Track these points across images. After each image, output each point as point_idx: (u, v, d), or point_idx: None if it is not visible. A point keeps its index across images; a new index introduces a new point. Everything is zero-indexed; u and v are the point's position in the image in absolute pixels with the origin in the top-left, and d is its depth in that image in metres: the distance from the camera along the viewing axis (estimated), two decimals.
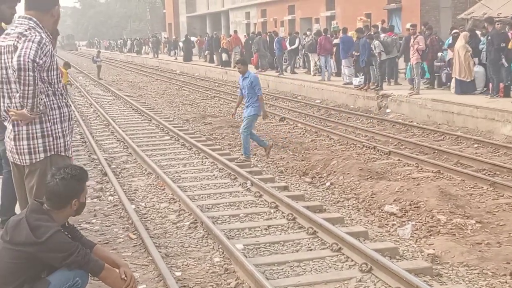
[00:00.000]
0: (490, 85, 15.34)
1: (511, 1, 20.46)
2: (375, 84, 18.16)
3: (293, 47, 25.40)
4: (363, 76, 18.80)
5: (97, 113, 19.00)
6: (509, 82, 14.83)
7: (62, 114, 4.86)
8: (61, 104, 4.85)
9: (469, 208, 8.05)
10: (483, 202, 8.45)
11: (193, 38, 43.48)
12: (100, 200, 9.16)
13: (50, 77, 4.76)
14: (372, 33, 19.77)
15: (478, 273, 6.04)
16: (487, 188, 9.00)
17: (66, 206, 4.05)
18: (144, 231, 7.21)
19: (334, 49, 22.34)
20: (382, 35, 18.85)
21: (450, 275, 6.03)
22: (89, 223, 7.96)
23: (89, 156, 12.35)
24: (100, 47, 74.51)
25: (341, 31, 21.73)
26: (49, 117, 4.77)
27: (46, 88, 4.73)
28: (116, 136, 14.56)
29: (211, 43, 35.33)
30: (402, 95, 16.59)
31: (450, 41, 17.19)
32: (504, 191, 8.78)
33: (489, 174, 9.81)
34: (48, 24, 4.83)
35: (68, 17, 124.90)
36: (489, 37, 14.93)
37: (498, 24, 14.73)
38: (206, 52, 37.31)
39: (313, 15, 35.69)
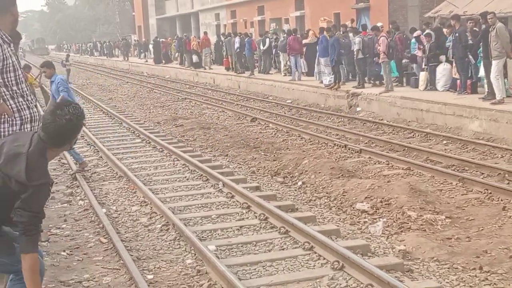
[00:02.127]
0: (458, 82, 15.52)
1: None
2: (335, 83, 18.32)
3: (265, 47, 25.39)
4: (332, 75, 18.90)
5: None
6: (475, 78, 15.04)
7: (23, 117, 4.76)
8: (21, 107, 4.75)
9: (439, 204, 8.14)
10: (453, 197, 8.56)
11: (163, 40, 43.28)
12: (70, 204, 9.06)
13: (6, 80, 4.65)
14: (341, 32, 19.91)
15: (448, 268, 6.11)
16: (456, 184, 9.12)
17: (64, 144, 3.85)
18: (115, 234, 7.16)
19: (304, 49, 22.42)
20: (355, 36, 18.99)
21: (421, 270, 6.09)
22: (59, 228, 7.87)
23: (58, 160, 12.19)
24: (69, 51, 73.78)
25: (309, 32, 21.78)
26: (8, 119, 4.67)
27: (3, 93, 4.62)
28: (86, 140, 14.42)
29: (181, 45, 35.18)
30: (372, 94, 16.71)
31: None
32: (473, 186, 8.89)
33: (458, 170, 9.93)
34: (6, 24, 4.63)
35: (35, 21, 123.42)
36: (457, 34, 15.10)
37: (470, 22, 14.91)
38: (177, 54, 37.18)
39: (283, 16, 35.76)
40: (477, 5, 19.59)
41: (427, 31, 17.30)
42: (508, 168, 9.72)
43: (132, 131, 15.30)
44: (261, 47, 25.64)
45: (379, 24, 18.60)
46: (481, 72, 14.43)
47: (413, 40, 17.64)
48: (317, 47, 20.40)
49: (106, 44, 59.11)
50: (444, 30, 16.80)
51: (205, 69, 31.05)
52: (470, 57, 14.84)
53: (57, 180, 10.62)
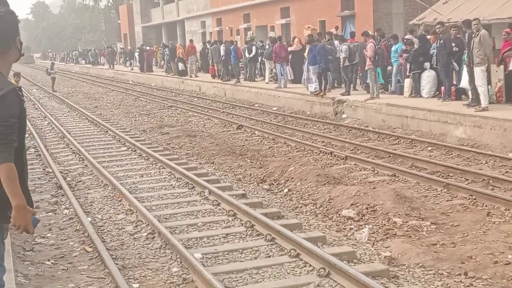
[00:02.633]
0: (442, 88, 15.63)
1: (460, 6, 20.95)
2: (321, 90, 18.37)
3: (251, 55, 25.41)
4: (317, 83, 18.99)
5: (51, 126, 18.69)
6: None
7: None
8: None
9: (424, 210, 8.18)
10: (438, 203, 8.60)
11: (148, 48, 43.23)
12: (55, 213, 9.01)
13: None
14: (326, 39, 19.99)
15: (433, 274, 6.14)
16: (441, 190, 9.16)
17: (11, 47, 3.66)
18: (100, 243, 7.12)
19: (290, 56, 22.48)
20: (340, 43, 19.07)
21: (406, 276, 6.11)
22: (43, 237, 7.82)
23: (43, 169, 12.14)
24: (55, 59, 73.43)
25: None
26: None
27: None
28: (71, 148, 14.35)
29: (172, 52, 34.97)
30: (357, 101, 16.78)
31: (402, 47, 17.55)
32: (458, 192, 8.94)
33: (443, 176, 9.99)
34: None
35: (20, 29, 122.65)
36: (441, 41, 15.21)
37: (453, 30, 15.02)
38: (162, 62, 37.12)
39: (269, 23, 35.87)
40: (461, 13, 19.77)
41: (407, 37, 17.48)
42: (492, 174, 9.79)
43: (118, 139, 15.25)
44: (247, 55, 25.67)
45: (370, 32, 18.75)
46: (463, 81, 14.53)
47: (394, 48, 17.68)
48: (307, 55, 20.45)
49: (91, 52, 58.91)
50: (429, 37, 16.93)
51: (191, 77, 31.02)
52: (454, 64, 14.95)
53: (42, 189, 10.57)
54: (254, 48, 25.46)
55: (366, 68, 17.16)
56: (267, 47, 24.10)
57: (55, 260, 6.93)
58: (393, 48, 17.74)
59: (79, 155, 13.35)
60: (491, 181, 9.41)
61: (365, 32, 18.12)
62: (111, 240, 7.55)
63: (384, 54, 17.76)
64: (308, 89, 19.57)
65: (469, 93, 14.16)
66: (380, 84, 18.25)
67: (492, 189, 9.10)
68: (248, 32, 36.48)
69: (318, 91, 18.72)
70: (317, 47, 18.55)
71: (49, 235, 7.93)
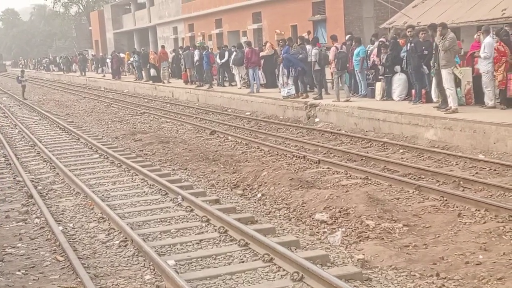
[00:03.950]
0: (413, 91, 15.78)
1: (429, 10, 21.19)
2: (298, 94, 18.42)
3: (223, 60, 25.36)
4: (292, 86, 19.05)
5: (22, 134, 18.45)
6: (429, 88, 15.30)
7: None
8: None
9: (396, 212, 8.24)
10: (410, 205, 8.67)
11: (121, 55, 42.97)
12: (25, 223, 8.88)
13: None
14: (298, 44, 20.06)
15: (406, 275, 6.18)
16: (413, 192, 9.25)
17: None
18: (72, 252, 7.04)
19: (262, 61, 22.51)
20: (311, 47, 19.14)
21: (379, 278, 6.14)
22: (14, 247, 7.70)
23: (14, 178, 11.97)
24: (26, 67, 72.60)
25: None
26: None
27: None
28: (42, 156, 14.17)
29: (144, 57, 34.77)
30: (330, 104, 16.86)
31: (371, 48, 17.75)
32: (429, 194, 9.03)
33: (414, 178, 10.08)
34: None
35: None
36: (412, 44, 15.36)
37: (422, 33, 15.18)
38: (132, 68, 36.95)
39: (241, 28, 35.92)
40: (431, 16, 19.99)
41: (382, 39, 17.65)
42: (463, 175, 9.91)
43: (90, 147, 15.11)
44: (218, 60, 25.56)
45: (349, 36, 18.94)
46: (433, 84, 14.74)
47: (356, 51, 17.81)
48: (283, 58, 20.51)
49: (62, 58, 58.34)
50: (399, 40, 17.07)
51: (163, 83, 30.90)
52: (424, 67, 15.11)
53: (12, 198, 10.42)
54: (226, 54, 25.43)
55: (331, 71, 17.41)
56: (234, 53, 24.00)
57: (25, 271, 6.82)
58: (355, 51, 17.86)
59: (50, 163, 13.20)
60: (461, 182, 9.52)
61: (333, 36, 18.39)
62: (83, 249, 7.47)
63: (347, 57, 17.79)
64: (281, 93, 19.61)
65: (438, 95, 14.30)
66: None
67: (463, 190, 9.21)
68: (198, 38, 36.67)
69: (295, 94, 18.79)
70: (284, 56, 18.60)
71: (19, 245, 7.82)
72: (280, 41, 21.15)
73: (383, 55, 16.73)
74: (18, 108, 28.74)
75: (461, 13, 19.28)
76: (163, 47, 34.74)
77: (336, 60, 17.16)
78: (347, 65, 17.64)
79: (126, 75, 40.66)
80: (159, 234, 7.83)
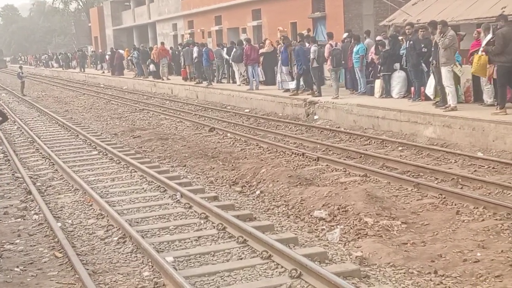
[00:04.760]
0: (412, 89, 15.78)
1: (429, 8, 21.19)
2: (315, 91, 18.39)
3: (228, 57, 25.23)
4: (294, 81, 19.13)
5: (21, 130, 18.44)
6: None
7: None
8: None
9: (395, 210, 8.25)
10: (408, 203, 8.67)
11: (121, 51, 42.89)
12: (24, 219, 8.88)
13: None
14: (297, 41, 20.06)
15: (404, 273, 6.18)
16: (412, 189, 9.25)
17: None
18: (70, 248, 7.04)
19: (262, 58, 22.49)
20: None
21: (377, 276, 6.15)
22: (12, 243, 7.71)
23: (12, 174, 11.98)
24: (26, 63, 72.51)
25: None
26: None
27: None
28: (41, 153, 14.18)
29: (144, 54, 34.73)
30: (329, 102, 16.86)
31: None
32: (428, 192, 9.03)
33: (413, 176, 10.08)
34: None
35: None
36: (411, 42, 15.36)
37: (421, 31, 15.17)
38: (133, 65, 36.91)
39: (240, 25, 35.90)
40: (430, 14, 19.98)
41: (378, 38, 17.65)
42: (461, 173, 9.92)
43: (89, 143, 15.11)
44: (226, 56, 25.36)
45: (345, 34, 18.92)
46: (428, 87, 14.75)
47: (355, 49, 17.80)
48: (281, 55, 20.49)
49: (62, 55, 58.28)
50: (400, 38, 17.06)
51: (162, 79, 30.87)
52: (423, 65, 15.10)
53: (11, 194, 10.42)
54: (225, 50, 25.36)
55: (327, 68, 17.44)
56: (234, 50, 23.96)
57: (24, 267, 6.83)
58: (354, 49, 17.85)
59: (49, 159, 13.20)
60: (460, 180, 9.52)
61: (328, 34, 18.46)
62: (81, 245, 7.48)
63: (341, 54, 17.76)
64: (286, 90, 19.61)
65: (438, 92, 14.31)
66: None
67: (461, 188, 9.21)
68: (186, 35, 36.61)
69: (296, 91, 18.80)
70: (296, 48, 18.56)
71: (18, 241, 7.82)
72: (284, 38, 21.07)
73: (381, 53, 16.72)
74: (17, 104, 28.72)
75: (460, 10, 19.27)
76: (162, 43, 34.69)
77: (331, 57, 17.20)
78: (342, 62, 17.68)
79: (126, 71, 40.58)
80: (158, 231, 7.84)
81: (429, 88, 14.77)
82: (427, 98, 15.17)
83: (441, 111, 13.27)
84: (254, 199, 9.46)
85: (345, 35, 19.88)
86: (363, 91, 17.91)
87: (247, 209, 8.84)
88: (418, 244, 6.98)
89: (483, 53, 12.91)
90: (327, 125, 15.95)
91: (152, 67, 31.74)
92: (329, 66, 17.31)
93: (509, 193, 8.73)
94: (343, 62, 17.76)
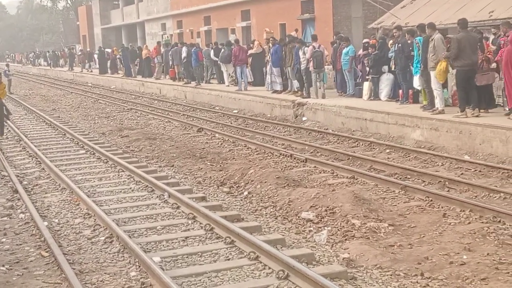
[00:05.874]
0: (400, 91, 15.85)
1: (418, 11, 21.30)
2: (302, 92, 18.42)
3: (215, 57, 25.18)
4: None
5: (7, 129, 18.30)
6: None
7: None
8: None
9: (382, 212, 8.28)
10: (395, 205, 8.71)
11: (108, 50, 42.71)
12: (10, 218, 8.83)
13: None
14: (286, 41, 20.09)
15: (391, 275, 6.21)
16: (399, 192, 9.29)
17: None
18: (57, 248, 7.01)
19: (250, 59, 22.49)
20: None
21: (364, 277, 6.17)
22: None
23: None
24: (14, 61, 72.01)
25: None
26: None
27: None
28: (28, 151, 14.09)
29: (126, 55, 34.62)
30: (317, 103, 16.90)
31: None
32: (415, 194, 9.08)
33: (400, 178, 10.13)
34: None
35: None
36: (399, 45, 15.43)
37: (407, 35, 15.24)
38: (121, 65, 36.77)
39: (229, 26, 35.88)
40: (419, 17, 20.07)
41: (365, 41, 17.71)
42: (448, 176, 9.97)
43: (76, 142, 15.04)
44: (213, 57, 25.31)
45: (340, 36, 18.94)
46: (415, 81, 14.82)
47: (345, 51, 17.83)
48: (271, 56, 20.47)
49: (49, 53, 57.95)
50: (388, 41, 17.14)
51: (156, 78, 30.71)
52: (412, 67, 15.17)
53: None
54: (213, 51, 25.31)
55: (310, 70, 17.53)
56: (222, 50, 23.91)
57: (10, 266, 6.79)
58: (344, 51, 17.90)
59: (36, 158, 13.13)
60: (447, 183, 9.58)
61: (312, 36, 18.54)
62: (68, 245, 7.44)
63: (322, 57, 17.80)
64: (271, 88, 19.62)
65: (425, 95, 14.37)
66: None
67: (448, 190, 9.27)
68: (164, 36, 36.50)
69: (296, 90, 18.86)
70: (296, 48, 18.59)
71: (4, 240, 7.77)
72: (271, 39, 21.12)
73: (369, 55, 16.80)
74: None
75: (449, 14, 19.38)
76: (158, 43, 34.25)
77: (312, 59, 17.25)
78: (330, 64, 17.75)
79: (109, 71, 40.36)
80: (145, 231, 7.82)
81: (416, 82, 14.79)
82: (415, 101, 15.24)
83: (429, 114, 13.34)
84: (242, 200, 9.47)
85: (334, 37, 19.95)
86: (352, 93, 17.97)
87: (235, 209, 8.84)
88: (405, 246, 7.02)
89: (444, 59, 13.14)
90: (315, 127, 15.99)
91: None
92: (311, 67, 17.37)
93: (496, 196, 8.80)
94: (330, 64, 17.78)
